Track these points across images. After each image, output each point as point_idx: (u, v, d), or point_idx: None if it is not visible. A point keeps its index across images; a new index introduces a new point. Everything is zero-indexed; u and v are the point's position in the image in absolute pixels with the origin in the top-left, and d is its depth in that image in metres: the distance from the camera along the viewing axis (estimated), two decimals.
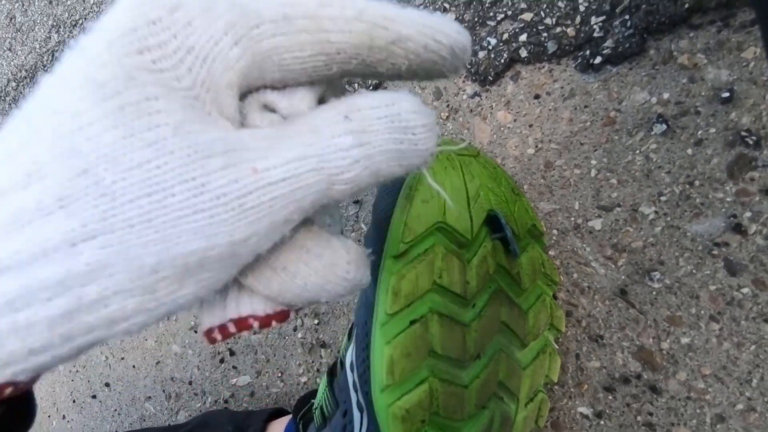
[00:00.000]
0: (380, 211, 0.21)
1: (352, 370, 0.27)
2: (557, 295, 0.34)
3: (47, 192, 0.11)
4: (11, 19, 0.99)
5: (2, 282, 0.11)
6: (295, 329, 0.47)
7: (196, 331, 0.56)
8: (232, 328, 0.16)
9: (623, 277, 0.32)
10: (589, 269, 0.33)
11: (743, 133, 0.28)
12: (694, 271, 0.30)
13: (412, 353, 0.20)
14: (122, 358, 0.63)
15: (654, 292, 0.31)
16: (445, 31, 0.15)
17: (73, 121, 0.11)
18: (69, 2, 0.84)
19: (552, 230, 0.34)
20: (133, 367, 0.61)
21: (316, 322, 0.46)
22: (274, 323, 0.16)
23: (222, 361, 0.53)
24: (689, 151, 0.30)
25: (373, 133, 0.14)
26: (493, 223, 0.24)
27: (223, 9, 0.13)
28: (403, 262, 0.19)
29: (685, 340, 0.30)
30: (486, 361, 0.23)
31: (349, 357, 0.28)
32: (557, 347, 0.32)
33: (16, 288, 0.11)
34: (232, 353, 0.52)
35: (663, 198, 0.30)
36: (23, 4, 0.96)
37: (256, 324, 0.15)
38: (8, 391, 0.12)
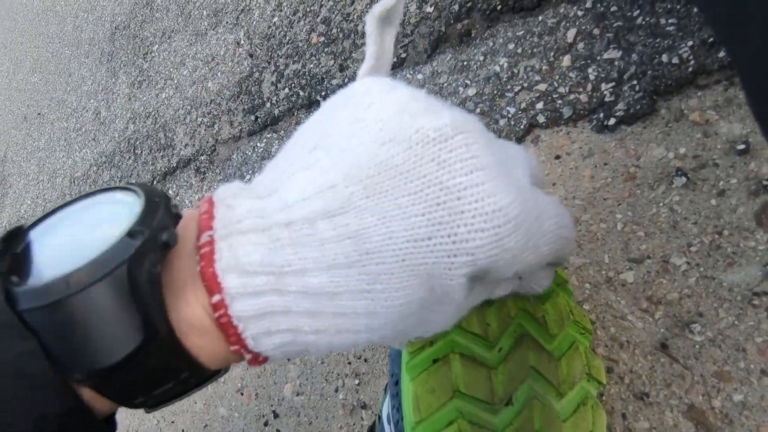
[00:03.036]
0: None
1: (389, 422, 0.28)
2: (596, 349, 0.33)
3: (363, 277, 0.16)
4: (97, 114, 1.16)
5: (312, 298, 0.16)
6: (336, 390, 0.48)
7: (242, 394, 0.57)
8: None
9: (662, 330, 0.31)
10: (626, 323, 0.33)
11: (765, 182, 0.29)
12: (736, 322, 0.29)
13: (437, 390, 0.21)
14: (172, 422, 0.65)
15: (697, 346, 0.30)
16: (572, 233, 0.22)
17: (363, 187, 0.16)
18: (144, 98, 0.98)
19: (584, 284, 0.35)
20: (183, 431, 0.63)
21: (356, 382, 0.46)
22: None
23: (266, 424, 0.54)
24: (713, 201, 0.30)
25: (528, 283, 0.23)
26: None
27: (506, 268, 0.18)
28: None
29: (737, 397, 0.28)
30: (519, 408, 0.23)
31: (386, 409, 0.29)
32: (601, 402, 0.31)
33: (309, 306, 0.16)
34: (276, 416, 0.53)
35: (693, 248, 0.31)
36: (107, 102, 1.13)
37: None
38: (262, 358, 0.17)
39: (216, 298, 0.16)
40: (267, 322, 0.16)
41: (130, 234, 0.15)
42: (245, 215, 0.16)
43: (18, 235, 0.16)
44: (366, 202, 0.16)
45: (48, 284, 0.14)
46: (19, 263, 0.15)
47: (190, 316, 0.16)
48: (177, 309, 0.16)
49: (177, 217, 0.18)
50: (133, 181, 0.17)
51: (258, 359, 0.17)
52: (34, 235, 0.16)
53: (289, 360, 0.52)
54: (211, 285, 0.16)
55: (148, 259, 0.15)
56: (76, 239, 0.16)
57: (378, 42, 0.20)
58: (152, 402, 0.17)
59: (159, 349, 0.15)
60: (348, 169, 0.16)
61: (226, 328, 0.16)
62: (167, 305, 0.16)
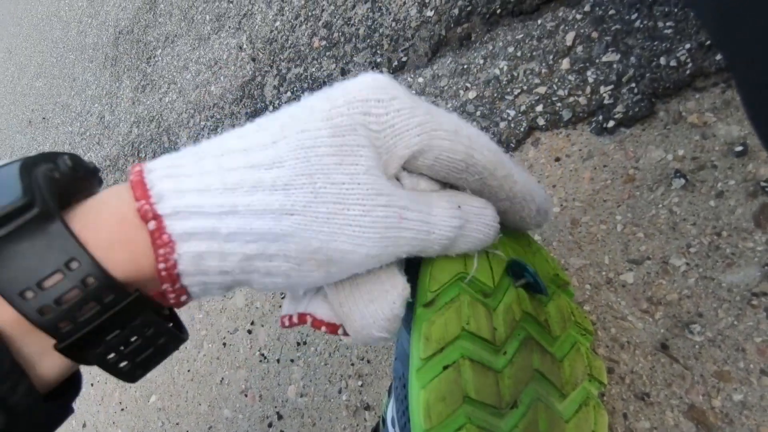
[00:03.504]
0: (410, 270, 0.24)
1: (393, 425, 0.28)
2: (597, 350, 0.33)
3: (281, 177, 0.17)
4: (101, 118, 1.17)
5: (230, 220, 0.17)
6: (339, 391, 0.48)
7: (246, 396, 0.58)
8: (295, 318, 0.22)
9: (662, 330, 0.31)
10: (627, 323, 0.33)
11: (763, 183, 0.29)
12: (735, 322, 0.29)
13: (447, 397, 0.21)
14: (177, 423, 0.65)
15: (697, 346, 0.30)
16: (540, 193, 0.23)
17: (311, 141, 0.18)
18: (148, 102, 0.99)
19: (585, 285, 0.35)
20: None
21: (359, 383, 0.47)
22: (323, 328, 0.21)
23: (270, 425, 0.54)
24: (712, 203, 0.31)
25: (471, 222, 0.21)
26: (514, 272, 0.26)
27: (421, 111, 0.19)
28: (432, 309, 0.22)
29: (737, 397, 0.29)
30: (524, 410, 0.24)
31: (390, 413, 0.29)
32: (602, 402, 0.31)
33: (235, 227, 0.17)
34: (280, 417, 0.53)
35: (692, 249, 0.31)
36: (111, 106, 1.14)
37: (309, 321, 0.21)
38: (183, 298, 0.18)
39: (141, 170, 0.17)
40: (176, 179, 0.17)
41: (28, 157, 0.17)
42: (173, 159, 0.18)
43: None
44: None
45: None
46: None
47: (91, 207, 0.17)
48: (77, 209, 0.17)
49: (96, 171, 0.20)
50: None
51: (164, 240, 0.17)
52: None
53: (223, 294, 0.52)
54: (137, 181, 0.17)
55: (43, 166, 0.17)
56: None
57: None
58: (114, 355, 0.17)
59: (40, 220, 0.15)
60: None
61: (135, 183, 0.17)
62: (72, 211, 0.17)
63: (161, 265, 0.17)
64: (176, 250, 0.17)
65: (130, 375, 0.18)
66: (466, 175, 0.21)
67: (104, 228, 0.17)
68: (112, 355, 0.17)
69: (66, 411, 0.19)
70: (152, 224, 0.16)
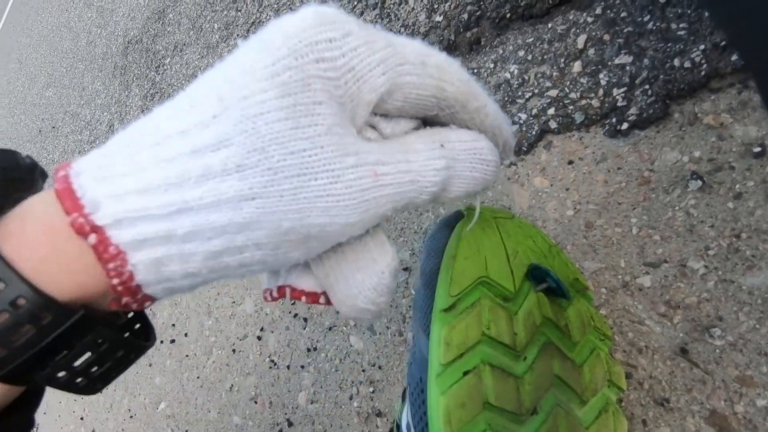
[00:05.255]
0: (427, 273, 0.24)
1: (408, 431, 0.28)
2: (614, 354, 0.33)
3: (230, 158, 0.15)
4: (111, 126, 1.18)
5: (183, 218, 0.15)
6: (350, 398, 0.48)
7: (256, 402, 0.57)
8: (275, 293, 0.20)
9: (681, 334, 0.31)
10: (645, 327, 0.32)
11: None
12: (757, 326, 0.29)
13: (467, 403, 0.21)
14: (186, 431, 0.65)
15: (717, 350, 0.30)
16: (508, 126, 0.20)
17: (257, 108, 0.15)
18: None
19: (600, 289, 0.34)
20: None
21: (371, 390, 0.46)
22: (303, 299, 0.19)
23: None
24: (730, 204, 0.30)
25: (460, 160, 0.18)
26: (535, 277, 0.26)
27: (381, 45, 0.16)
28: (453, 314, 0.21)
29: (761, 403, 0.28)
30: (544, 417, 0.23)
31: (405, 418, 0.29)
32: (621, 408, 0.31)
33: (191, 225, 0.15)
34: (290, 424, 0.53)
35: (711, 252, 0.31)
36: (120, 114, 1.15)
37: (289, 292, 0.19)
38: (147, 304, 0.16)
39: (67, 174, 0.15)
40: (110, 182, 0.15)
41: None
42: (100, 156, 0.16)
43: None
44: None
45: None
46: None
47: (17, 217, 0.15)
48: (1, 220, 0.15)
49: (34, 167, 0.17)
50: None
51: (110, 252, 0.15)
52: None
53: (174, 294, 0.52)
54: (64, 189, 0.15)
55: None
56: None
57: None
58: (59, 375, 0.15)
59: None
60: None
61: (62, 192, 0.15)
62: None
63: (114, 281, 0.15)
64: (129, 260, 0.15)
65: (88, 390, 0.17)
66: (437, 111, 0.18)
67: (33, 242, 0.15)
68: (62, 374, 0.16)
69: (28, 425, 0.17)
70: (93, 238, 0.14)
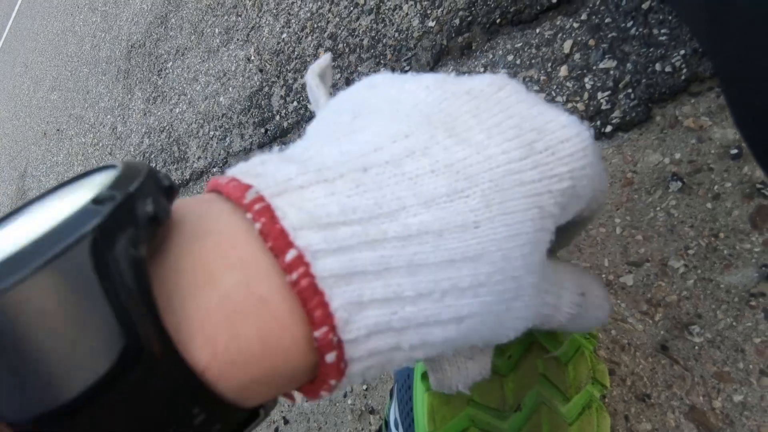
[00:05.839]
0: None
1: (396, 427, 0.29)
2: (598, 352, 0.34)
3: (480, 281, 0.14)
4: (114, 129, 1.20)
5: (412, 333, 0.13)
6: (345, 395, 0.49)
7: None
8: None
9: (662, 332, 0.32)
10: (627, 325, 0.33)
11: (758, 185, 0.29)
12: (734, 323, 0.29)
13: (452, 401, 0.22)
14: None
15: (696, 347, 0.30)
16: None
17: (515, 229, 0.14)
18: (159, 113, 1.02)
19: None
20: None
21: (364, 387, 0.47)
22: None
23: (276, 430, 0.55)
24: (709, 205, 0.31)
25: (587, 310, 0.20)
26: None
27: (601, 178, 0.17)
28: None
29: (737, 398, 0.29)
30: (527, 413, 0.24)
31: (393, 415, 0.30)
32: (604, 405, 0.32)
33: (418, 339, 0.14)
34: (286, 422, 0.54)
35: (690, 251, 0.31)
36: (123, 117, 1.17)
37: None
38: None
39: (291, 254, 0.12)
40: (358, 286, 0.12)
41: (96, 200, 0.10)
42: (295, 173, 0.13)
43: None
44: (450, 140, 0.14)
45: None
46: None
47: (206, 307, 0.11)
48: (181, 308, 0.11)
49: (171, 191, 0.13)
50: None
51: (339, 367, 0.13)
52: None
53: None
54: (280, 244, 0.12)
55: (124, 234, 0.10)
56: (36, 225, 0.10)
57: (318, 93, 0.22)
58: None
59: (148, 374, 0.10)
60: (417, 119, 0.15)
61: (307, 294, 0.12)
62: (160, 305, 0.10)
63: (329, 357, 0.13)
64: (347, 372, 0.13)
65: None
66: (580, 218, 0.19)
67: (248, 353, 0.12)
68: None
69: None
70: (331, 356, 0.12)
